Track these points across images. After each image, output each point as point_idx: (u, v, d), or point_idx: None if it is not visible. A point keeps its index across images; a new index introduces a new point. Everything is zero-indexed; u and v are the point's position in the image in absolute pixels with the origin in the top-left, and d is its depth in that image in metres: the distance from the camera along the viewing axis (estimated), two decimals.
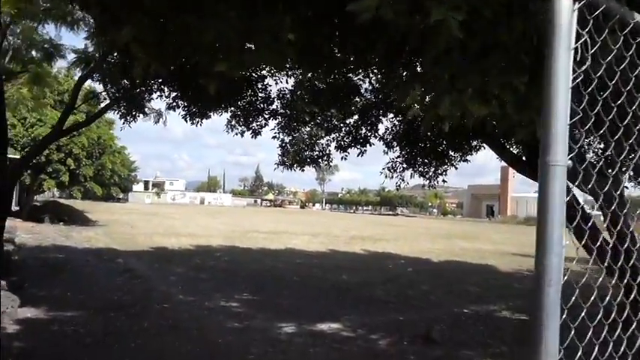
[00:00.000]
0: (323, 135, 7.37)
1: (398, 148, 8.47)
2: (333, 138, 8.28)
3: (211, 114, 8.16)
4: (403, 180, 8.90)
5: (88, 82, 10.52)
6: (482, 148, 8.96)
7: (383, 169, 8.83)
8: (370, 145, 8.20)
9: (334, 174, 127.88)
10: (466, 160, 9.00)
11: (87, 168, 24.74)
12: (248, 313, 7.72)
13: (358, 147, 7.99)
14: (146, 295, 8.57)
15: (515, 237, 34.59)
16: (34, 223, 22.43)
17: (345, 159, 8.05)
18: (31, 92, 10.92)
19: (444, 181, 9.20)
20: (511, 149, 7.93)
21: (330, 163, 8.70)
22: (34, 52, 11.12)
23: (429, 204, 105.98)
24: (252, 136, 8.39)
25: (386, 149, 8.46)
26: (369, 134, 8.11)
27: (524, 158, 8.03)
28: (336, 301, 9.10)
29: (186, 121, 8.01)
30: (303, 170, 8.75)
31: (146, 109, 9.11)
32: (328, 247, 19.70)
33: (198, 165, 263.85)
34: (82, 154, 24.21)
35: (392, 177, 8.75)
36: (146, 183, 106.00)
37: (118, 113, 8.71)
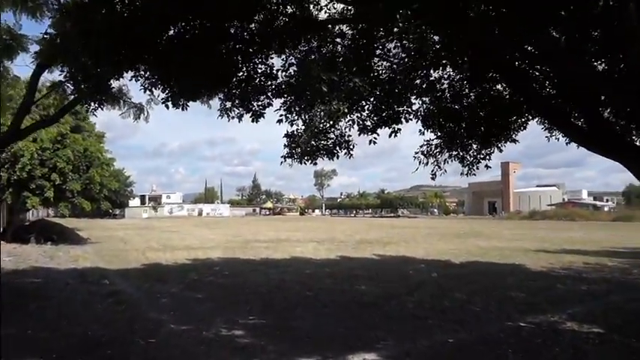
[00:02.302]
0: (346, 111, 5.81)
1: (432, 128, 6.95)
2: (352, 120, 6.71)
3: (199, 97, 6.62)
4: (440, 167, 7.36)
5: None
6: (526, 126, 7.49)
7: (416, 153, 7.31)
8: (407, 122, 6.63)
9: (332, 178, 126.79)
10: (514, 141, 7.49)
11: (74, 183, 23.04)
12: (256, 344, 6.12)
13: (391, 126, 6.41)
14: (130, 327, 6.95)
15: (527, 232, 33.22)
16: (18, 245, 20.76)
17: (375, 142, 6.51)
18: None
19: (487, 166, 7.68)
20: (577, 123, 6.41)
21: (351, 152, 7.13)
22: None
23: (430, 204, 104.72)
24: (252, 120, 6.83)
25: (422, 129, 6.94)
26: (400, 110, 6.54)
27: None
28: (362, 320, 7.50)
29: (168, 107, 6.46)
30: (315, 163, 7.20)
31: (122, 100, 7.58)
32: (337, 254, 18.11)
33: (194, 177, 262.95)
34: (68, 168, 22.53)
35: (426, 163, 7.22)
36: (142, 197, 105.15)
37: (82, 102, 7.11)
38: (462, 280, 11.35)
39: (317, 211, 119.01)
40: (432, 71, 6.60)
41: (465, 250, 19.58)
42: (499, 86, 6.87)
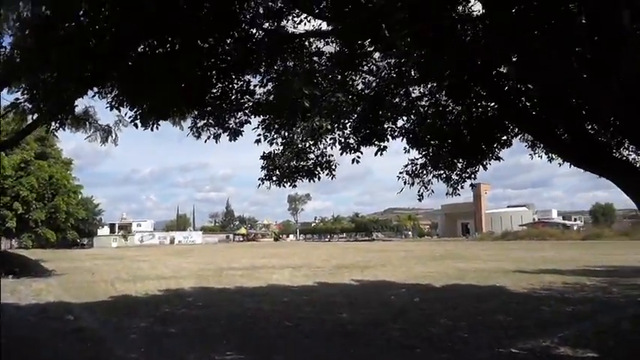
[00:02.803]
0: (329, 127, 5.46)
1: (417, 146, 6.70)
2: (334, 139, 6.37)
3: (170, 115, 6.22)
4: (426, 187, 7.10)
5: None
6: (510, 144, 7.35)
7: (400, 173, 7.05)
8: (392, 139, 6.33)
9: (306, 203, 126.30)
10: (498, 158, 7.29)
11: (38, 212, 22.11)
12: None
13: (375, 143, 6.10)
14: None
15: (502, 253, 33.37)
16: None
17: (358, 161, 6.17)
18: None
19: (472, 185, 7.45)
20: (563, 137, 6.26)
21: (333, 172, 6.78)
22: None
23: (405, 227, 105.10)
24: (229, 139, 6.45)
25: (407, 147, 6.69)
26: (385, 127, 6.24)
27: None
28: (346, 351, 7.07)
29: (137, 127, 6.02)
30: (294, 186, 6.84)
31: (88, 121, 7.10)
32: (314, 280, 17.63)
33: (166, 204, 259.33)
34: (32, 197, 21.64)
35: (412, 183, 6.94)
36: (112, 226, 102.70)
37: (42, 122, 6.60)
38: (445, 305, 11.03)
39: (291, 236, 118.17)
40: (415, 87, 6.40)
41: (444, 272, 19.35)
42: (483, 102, 6.71)
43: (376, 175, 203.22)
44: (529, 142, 7.84)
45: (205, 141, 6.47)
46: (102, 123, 8.25)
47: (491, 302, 11.32)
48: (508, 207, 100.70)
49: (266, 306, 11.52)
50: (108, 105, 6.07)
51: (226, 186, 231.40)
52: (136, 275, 21.45)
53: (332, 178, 6.72)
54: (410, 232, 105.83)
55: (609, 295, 12.39)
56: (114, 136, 7.84)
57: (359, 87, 6.41)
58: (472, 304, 11.09)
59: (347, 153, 6.18)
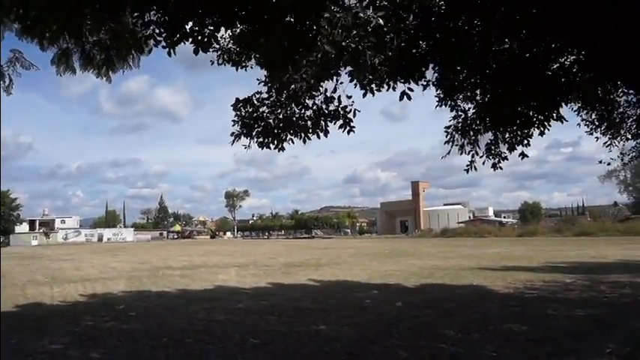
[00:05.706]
0: (382, 21, 3.35)
1: (483, 85, 4.75)
2: (353, 71, 4.23)
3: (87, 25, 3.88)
4: (477, 152, 5.21)
5: None
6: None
7: (447, 127, 5.09)
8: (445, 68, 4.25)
9: (244, 199, 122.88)
10: (561, 119, 5.49)
11: None
12: None
13: (419, 80, 4.02)
14: None
15: (451, 250, 32.76)
16: None
17: (410, 97, 4.07)
18: None
19: (522, 155, 5.63)
20: None
21: (351, 124, 4.66)
22: None
23: (346, 224, 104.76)
24: (195, 50, 4.13)
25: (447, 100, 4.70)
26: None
27: None
28: None
29: (44, 47, 3.63)
30: (282, 149, 4.70)
31: None
32: (266, 281, 15.55)
33: (94, 201, 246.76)
34: None
35: (461, 145, 5.05)
36: (32, 223, 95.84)
37: None
38: (437, 310, 9.30)
39: (228, 233, 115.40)
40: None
41: (407, 271, 17.83)
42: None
43: (313, 174, 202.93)
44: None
45: (148, 53, 4.11)
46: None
47: (485, 306, 9.73)
48: (445, 205, 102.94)
49: (219, 315, 9.28)
50: None
51: (160, 182, 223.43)
52: (55, 277, 18.40)
53: (348, 133, 4.60)
54: (349, 230, 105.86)
55: (604, 294, 11.19)
56: (7, 82, 5.32)
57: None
58: (466, 308, 9.43)
59: (387, 86, 4.07)
